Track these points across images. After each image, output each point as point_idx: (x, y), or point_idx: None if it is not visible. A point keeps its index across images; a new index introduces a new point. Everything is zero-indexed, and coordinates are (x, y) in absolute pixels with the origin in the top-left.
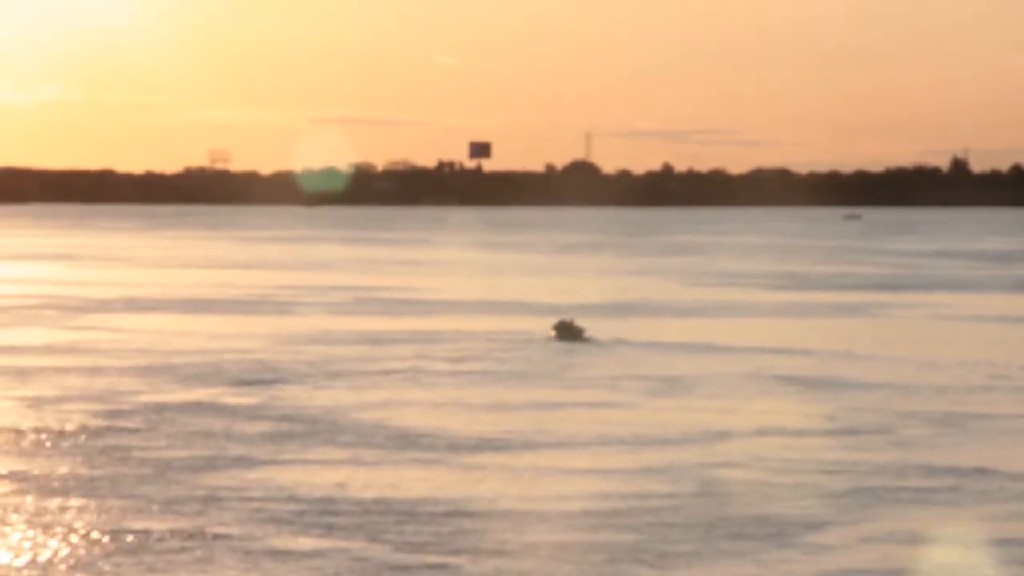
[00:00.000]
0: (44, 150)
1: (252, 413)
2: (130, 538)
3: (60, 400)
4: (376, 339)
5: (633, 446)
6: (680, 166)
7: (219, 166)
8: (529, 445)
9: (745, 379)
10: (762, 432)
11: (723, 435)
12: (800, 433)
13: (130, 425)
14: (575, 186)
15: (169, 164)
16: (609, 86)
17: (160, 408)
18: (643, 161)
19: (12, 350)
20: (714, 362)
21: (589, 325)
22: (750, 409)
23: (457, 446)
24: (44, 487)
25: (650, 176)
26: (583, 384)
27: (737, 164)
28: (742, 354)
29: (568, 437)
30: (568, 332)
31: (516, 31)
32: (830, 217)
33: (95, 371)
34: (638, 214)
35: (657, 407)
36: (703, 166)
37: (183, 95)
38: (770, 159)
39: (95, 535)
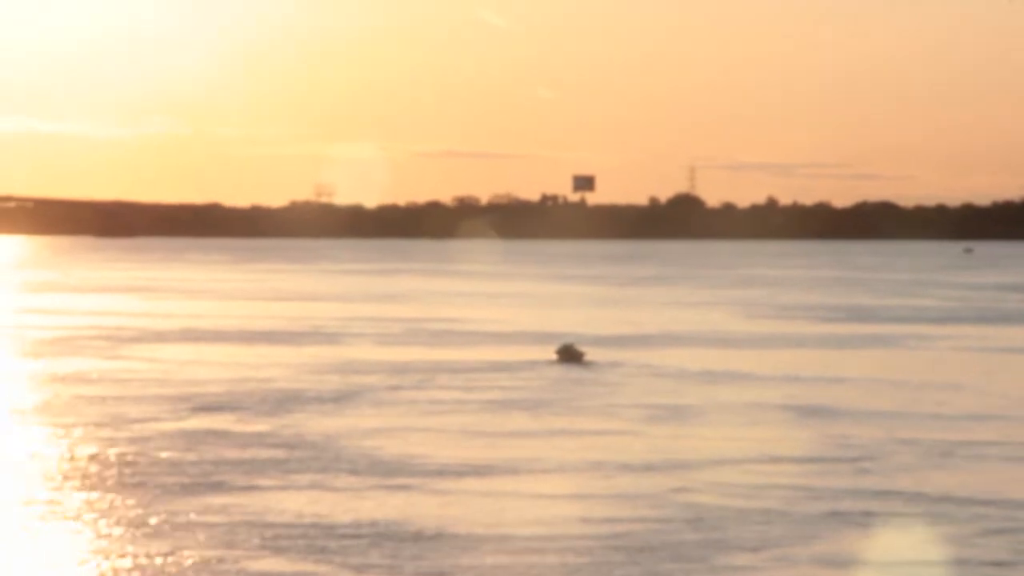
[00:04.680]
0: (152, 184)
1: (256, 440)
2: (108, 563)
3: (74, 426)
4: (401, 369)
5: (612, 471)
6: (785, 199)
7: (324, 200)
8: (511, 471)
9: (745, 407)
10: (748, 459)
11: (707, 462)
12: (785, 460)
13: (132, 451)
14: (679, 219)
15: (275, 198)
16: (713, 119)
17: (167, 435)
18: (747, 194)
19: (47, 379)
20: (718, 390)
21: (608, 354)
22: (742, 437)
23: (442, 472)
24: (40, 512)
25: (754, 209)
26: (574, 410)
27: (842, 197)
28: (751, 383)
29: (550, 462)
30: (568, 356)
31: (618, 64)
32: (946, 251)
33: (118, 400)
34: (739, 247)
35: (644, 433)
36: (808, 199)
37: (288, 129)
38: (875, 192)
39: (81, 560)
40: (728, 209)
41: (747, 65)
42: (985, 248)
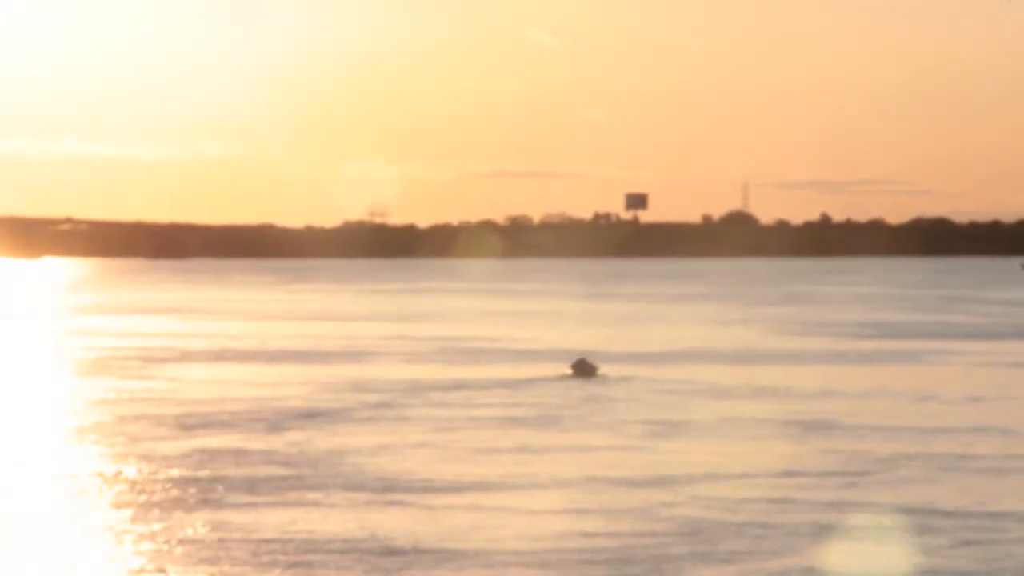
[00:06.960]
0: (205, 206)
1: (263, 458)
2: None
3: (87, 443)
4: (417, 386)
5: (608, 486)
6: (838, 216)
7: (378, 220)
8: (508, 487)
9: (750, 423)
10: (744, 474)
11: (704, 477)
12: (781, 474)
13: (139, 468)
14: (732, 237)
15: (328, 218)
16: (766, 136)
17: (176, 453)
18: (801, 211)
19: (70, 398)
20: (728, 406)
21: (625, 369)
22: (741, 451)
23: (441, 488)
24: (37, 525)
25: (808, 226)
26: (578, 425)
27: (896, 214)
28: (762, 399)
29: (548, 478)
30: (582, 370)
31: (670, 83)
32: (1000, 267)
33: (135, 418)
34: (791, 265)
35: (646, 448)
36: (861, 216)
37: (340, 150)
38: (930, 209)
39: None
40: (781, 226)
41: (799, 82)
42: None
